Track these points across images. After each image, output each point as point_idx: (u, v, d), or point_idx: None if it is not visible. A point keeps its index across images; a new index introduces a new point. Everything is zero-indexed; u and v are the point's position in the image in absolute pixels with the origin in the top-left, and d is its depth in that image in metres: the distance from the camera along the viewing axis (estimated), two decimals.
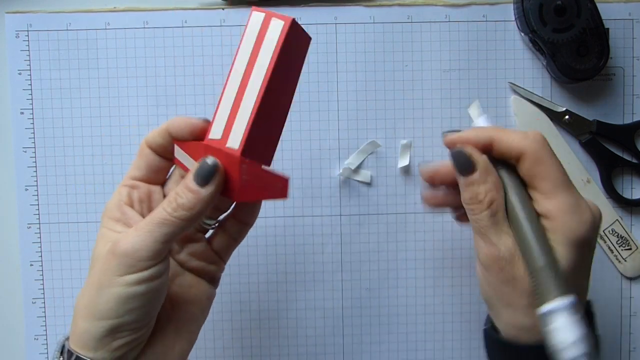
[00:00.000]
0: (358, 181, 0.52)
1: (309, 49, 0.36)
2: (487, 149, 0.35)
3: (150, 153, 0.37)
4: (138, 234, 0.32)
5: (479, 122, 0.38)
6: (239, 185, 0.33)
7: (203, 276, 0.39)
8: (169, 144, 0.36)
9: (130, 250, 0.32)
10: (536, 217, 0.34)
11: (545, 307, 0.32)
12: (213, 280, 0.40)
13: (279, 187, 0.35)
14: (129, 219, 0.35)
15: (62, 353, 0.34)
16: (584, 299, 0.36)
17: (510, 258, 0.34)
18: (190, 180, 0.33)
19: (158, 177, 0.38)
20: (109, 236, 0.35)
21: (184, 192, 0.33)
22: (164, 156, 0.37)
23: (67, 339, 0.35)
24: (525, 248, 0.33)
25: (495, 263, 0.34)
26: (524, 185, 0.35)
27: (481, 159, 0.35)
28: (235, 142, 0.33)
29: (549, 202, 0.33)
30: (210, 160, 0.33)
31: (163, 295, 0.34)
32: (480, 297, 0.38)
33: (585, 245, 0.34)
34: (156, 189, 0.38)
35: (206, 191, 0.33)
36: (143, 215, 0.36)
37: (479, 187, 0.35)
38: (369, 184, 0.52)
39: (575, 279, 0.34)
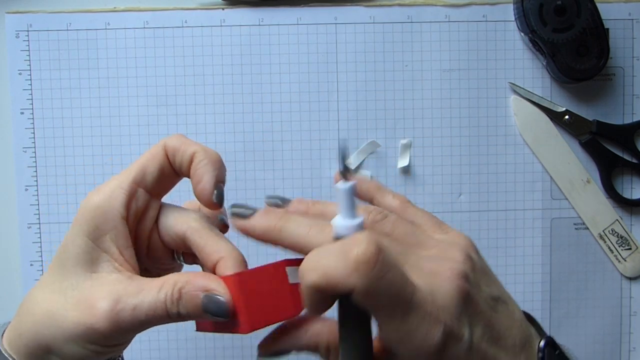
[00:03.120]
0: None
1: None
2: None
3: (166, 159, 0.32)
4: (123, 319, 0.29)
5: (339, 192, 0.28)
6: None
7: None
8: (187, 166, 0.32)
9: (107, 331, 0.30)
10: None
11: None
12: None
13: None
14: (124, 249, 0.31)
15: None
16: None
17: None
18: (200, 309, 0.30)
19: (160, 190, 0.33)
20: (105, 267, 0.31)
21: (188, 304, 0.30)
22: (178, 171, 0.33)
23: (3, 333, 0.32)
24: None
25: None
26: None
27: None
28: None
29: (381, 333, 0.28)
30: (223, 299, 0.30)
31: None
32: None
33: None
34: (154, 204, 0.33)
35: (209, 317, 0.30)
36: (131, 234, 0.32)
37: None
38: None
39: None
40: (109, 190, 0.31)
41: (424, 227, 0.33)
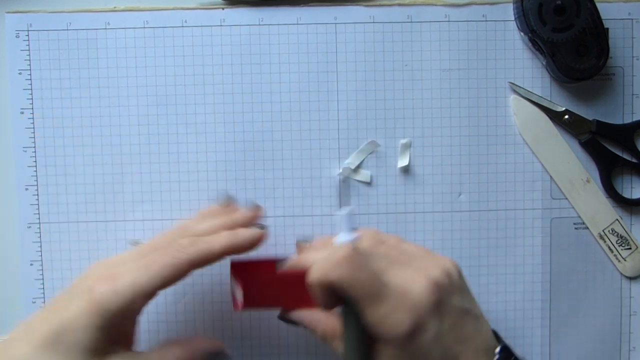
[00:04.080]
0: (358, 181, 0.52)
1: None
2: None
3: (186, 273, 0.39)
4: None
5: (340, 237, 0.39)
6: None
7: None
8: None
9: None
10: (355, 344, 0.36)
11: None
12: None
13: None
14: (132, 335, 0.40)
15: None
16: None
17: None
18: None
19: None
20: None
21: None
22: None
23: None
24: None
25: None
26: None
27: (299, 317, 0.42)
28: None
29: (364, 319, 0.36)
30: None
31: None
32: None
33: (410, 343, 0.35)
34: None
35: None
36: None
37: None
38: (368, 184, 0.52)
39: None
40: (130, 295, 0.35)
41: (415, 255, 0.40)
